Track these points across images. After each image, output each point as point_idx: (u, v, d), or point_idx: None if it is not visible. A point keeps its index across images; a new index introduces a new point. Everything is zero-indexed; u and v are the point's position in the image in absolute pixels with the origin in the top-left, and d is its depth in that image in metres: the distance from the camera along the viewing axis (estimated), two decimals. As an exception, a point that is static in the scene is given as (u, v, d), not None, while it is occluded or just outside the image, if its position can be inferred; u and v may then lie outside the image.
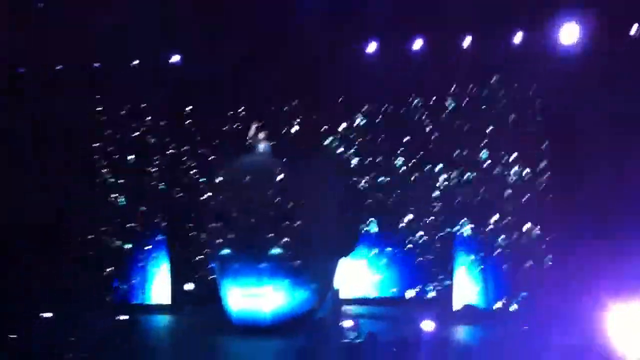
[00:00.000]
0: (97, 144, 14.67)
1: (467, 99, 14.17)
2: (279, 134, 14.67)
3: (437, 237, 14.45)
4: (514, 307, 13.49)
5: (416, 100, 14.60)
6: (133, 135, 14.80)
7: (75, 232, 14.26)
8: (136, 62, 14.26)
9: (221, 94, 14.51)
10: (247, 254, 12.01)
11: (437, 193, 14.49)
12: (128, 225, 14.67)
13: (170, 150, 14.94)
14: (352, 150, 14.96)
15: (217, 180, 12.84)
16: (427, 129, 14.61)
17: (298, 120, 14.95)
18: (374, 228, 14.83)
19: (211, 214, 12.74)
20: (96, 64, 14.23)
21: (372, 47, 14.01)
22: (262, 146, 13.17)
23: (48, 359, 9.61)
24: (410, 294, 14.64)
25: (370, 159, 14.91)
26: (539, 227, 13.48)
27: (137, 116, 14.80)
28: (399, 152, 14.79)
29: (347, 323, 11.23)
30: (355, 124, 14.97)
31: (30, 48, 13.47)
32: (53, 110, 13.92)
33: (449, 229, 14.23)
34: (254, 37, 13.48)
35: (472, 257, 13.82)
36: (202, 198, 13.60)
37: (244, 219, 12.18)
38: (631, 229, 11.77)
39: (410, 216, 14.70)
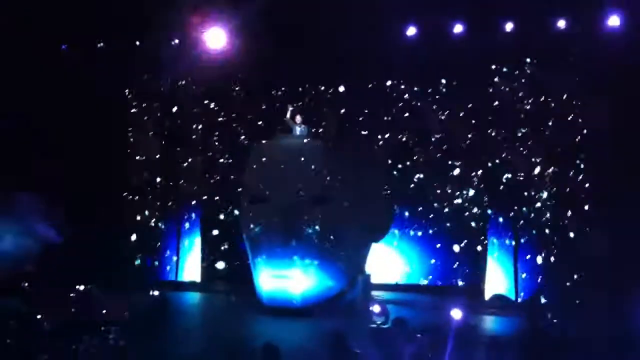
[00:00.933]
0: (135, 120, 14.80)
1: (504, 86, 13.92)
2: (317, 117, 14.65)
3: (471, 225, 14.31)
4: (544, 299, 13.34)
5: (453, 84, 14.42)
6: (170, 113, 14.89)
7: (111, 208, 14.42)
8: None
9: (260, 75, 14.51)
10: (280, 235, 12.06)
11: (472, 180, 14.33)
12: (162, 202, 14.81)
13: (207, 129, 15.03)
14: (388, 135, 14.86)
15: (253, 160, 12.90)
16: (463, 114, 14.42)
17: (336, 103, 14.92)
18: (407, 214, 14.80)
19: (246, 194, 12.81)
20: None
21: (411, 31, 13.86)
22: (299, 128, 13.19)
23: (83, 331, 9.77)
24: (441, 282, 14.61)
25: (406, 144, 14.81)
26: (577, 218, 13.27)
27: (175, 94, 14.87)
28: (435, 137, 14.67)
29: (376, 308, 11.22)
30: (392, 109, 14.87)
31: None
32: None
33: (482, 217, 14.10)
34: (295, 17, 13.43)
35: (506, 246, 13.69)
36: (237, 178, 13.63)
37: (278, 199, 12.23)
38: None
39: (444, 203, 14.60)
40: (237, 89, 15.06)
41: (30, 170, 13.30)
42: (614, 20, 12.68)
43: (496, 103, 13.98)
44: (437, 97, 14.69)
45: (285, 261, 12.16)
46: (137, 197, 14.75)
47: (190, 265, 15.04)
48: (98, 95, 13.78)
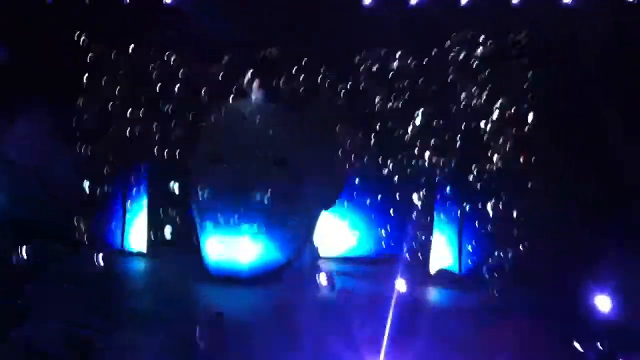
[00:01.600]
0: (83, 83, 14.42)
1: (462, 52, 13.93)
2: (274, 82, 14.43)
3: (418, 196, 14.39)
4: (490, 273, 13.58)
5: (409, 50, 14.36)
6: (119, 74, 14.54)
7: (57, 174, 14.09)
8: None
9: (219, 39, 14.24)
10: (229, 200, 11.98)
11: (422, 150, 14.38)
12: (109, 164, 14.51)
13: (156, 92, 14.70)
14: (342, 102, 14.78)
15: (208, 123, 12.75)
16: (419, 82, 14.39)
17: (293, 68, 14.73)
18: (354, 183, 14.80)
19: (198, 156, 12.67)
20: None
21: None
22: (256, 93, 13.08)
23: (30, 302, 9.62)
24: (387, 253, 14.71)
25: (360, 112, 14.75)
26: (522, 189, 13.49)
27: (128, 55, 14.53)
28: (387, 106, 14.63)
29: (323, 277, 11.31)
30: (346, 75, 14.76)
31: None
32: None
33: (429, 188, 14.20)
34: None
35: (452, 219, 13.86)
36: (187, 141, 13.41)
37: (231, 162, 12.13)
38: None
39: (392, 174, 14.64)
40: (195, 48, 14.65)
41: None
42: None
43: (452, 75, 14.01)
44: (394, 62, 14.57)
45: (234, 229, 12.11)
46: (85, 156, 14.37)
47: (136, 233, 14.81)
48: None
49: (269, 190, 12.09)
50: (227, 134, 12.39)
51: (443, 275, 13.68)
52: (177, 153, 14.20)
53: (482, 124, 13.60)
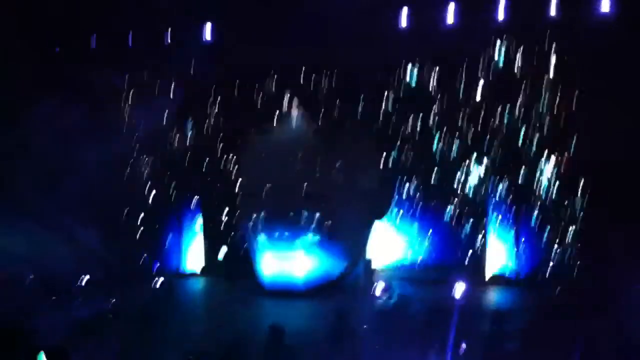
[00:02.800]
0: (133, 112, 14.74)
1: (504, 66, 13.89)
2: (314, 104, 14.55)
3: (471, 202, 14.31)
4: (545, 274, 13.42)
5: (451, 66, 14.35)
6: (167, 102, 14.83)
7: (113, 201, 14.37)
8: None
9: (257, 65, 14.42)
10: (280, 219, 12.10)
11: (471, 159, 14.32)
12: (163, 194, 14.79)
13: (205, 118, 14.96)
14: (386, 118, 14.81)
15: (253, 147, 12.93)
16: (461, 94, 14.34)
17: (331, 89, 14.84)
18: (405, 193, 14.78)
19: (246, 180, 12.83)
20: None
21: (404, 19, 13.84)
22: (296, 115, 13.25)
23: (93, 323, 9.81)
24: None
25: (404, 125, 14.77)
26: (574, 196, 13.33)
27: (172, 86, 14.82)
28: (432, 116, 14.62)
29: (380, 286, 11.31)
30: (388, 93, 14.82)
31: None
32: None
33: (482, 194, 14.11)
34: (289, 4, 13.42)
35: (506, 223, 13.75)
36: (236, 164, 13.60)
37: (278, 184, 12.26)
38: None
39: (443, 182, 14.59)
40: (232, 77, 14.87)
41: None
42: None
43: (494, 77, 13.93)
44: (436, 77, 14.56)
45: (287, 244, 12.22)
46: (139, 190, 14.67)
47: (193, 254, 15.04)
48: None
49: (315, 208, 12.15)
50: (276, 154, 12.53)
51: (500, 279, 13.56)
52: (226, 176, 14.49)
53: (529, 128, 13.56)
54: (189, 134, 14.79)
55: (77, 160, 13.76)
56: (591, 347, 7.37)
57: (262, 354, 8.19)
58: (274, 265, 12.39)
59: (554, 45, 13.16)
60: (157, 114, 14.54)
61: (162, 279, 12.59)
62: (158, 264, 14.62)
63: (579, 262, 12.97)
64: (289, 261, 12.27)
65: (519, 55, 13.63)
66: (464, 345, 7.48)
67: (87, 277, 11.89)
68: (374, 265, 13.68)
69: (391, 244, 14.74)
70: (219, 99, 14.77)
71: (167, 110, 14.56)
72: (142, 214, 14.54)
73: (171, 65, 14.34)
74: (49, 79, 13.89)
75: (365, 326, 8.23)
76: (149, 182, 14.64)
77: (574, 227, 13.36)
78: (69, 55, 14.52)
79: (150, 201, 14.67)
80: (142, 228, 14.55)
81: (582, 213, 13.29)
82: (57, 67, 14.20)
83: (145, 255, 14.42)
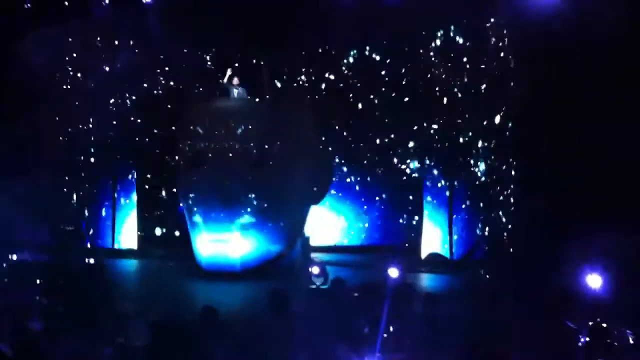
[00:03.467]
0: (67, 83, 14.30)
1: (448, 45, 13.95)
2: (255, 79, 14.42)
3: (406, 184, 14.47)
4: (479, 256, 13.71)
5: (392, 45, 14.37)
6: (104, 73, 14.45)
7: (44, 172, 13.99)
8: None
9: (200, 37, 14.18)
10: (217, 198, 11.99)
11: (408, 140, 14.43)
12: (96, 166, 14.47)
13: (143, 92, 14.64)
14: (326, 96, 14.79)
15: (189, 123, 12.73)
16: (404, 76, 14.39)
17: (273, 65, 14.73)
18: (343, 175, 14.86)
19: (182, 158, 12.66)
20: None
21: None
22: (237, 90, 13.10)
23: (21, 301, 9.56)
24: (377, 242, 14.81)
25: (345, 105, 14.79)
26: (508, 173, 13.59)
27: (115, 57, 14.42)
28: (372, 98, 14.66)
29: (315, 269, 11.32)
30: (330, 69, 14.78)
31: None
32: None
33: (417, 175, 14.27)
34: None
35: (441, 203, 13.95)
36: (174, 141, 13.39)
37: (215, 163, 12.13)
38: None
39: (380, 163, 14.70)
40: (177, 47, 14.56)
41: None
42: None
43: (436, 68, 14.02)
44: (377, 56, 14.57)
45: (223, 225, 12.13)
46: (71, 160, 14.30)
47: (126, 232, 14.80)
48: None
49: (253, 189, 12.07)
50: (210, 133, 12.38)
51: (434, 260, 13.78)
52: (163, 152, 14.27)
53: (466, 107, 13.72)
54: (130, 102, 14.51)
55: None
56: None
57: (195, 334, 8.11)
58: (211, 246, 12.29)
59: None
60: (100, 78, 14.22)
61: (92, 259, 12.31)
62: (90, 239, 14.41)
63: (510, 247, 13.32)
64: (226, 242, 12.18)
65: (465, 33, 13.78)
66: (391, 328, 7.56)
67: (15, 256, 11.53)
68: (310, 247, 13.72)
69: (328, 225, 14.85)
70: (163, 67, 14.55)
71: (108, 75, 14.24)
72: (77, 185, 14.29)
73: (116, 27, 13.98)
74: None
75: (297, 308, 8.25)
76: (86, 151, 14.34)
77: (507, 209, 13.67)
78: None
79: (84, 174, 14.41)
80: (76, 199, 14.30)
81: (513, 197, 13.63)
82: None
83: (78, 228, 14.17)
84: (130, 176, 14.68)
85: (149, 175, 14.83)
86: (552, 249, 11.74)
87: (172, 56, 14.49)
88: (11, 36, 13.34)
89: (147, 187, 14.76)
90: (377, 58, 14.51)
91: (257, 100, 13.65)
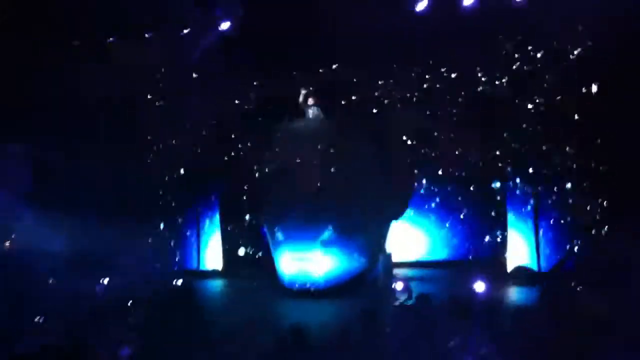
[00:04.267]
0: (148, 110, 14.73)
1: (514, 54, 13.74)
2: (331, 99, 14.49)
3: (491, 197, 14.22)
4: (568, 269, 13.32)
5: (462, 60, 14.22)
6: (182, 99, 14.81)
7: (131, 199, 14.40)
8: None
9: (274, 62, 14.36)
10: (299, 218, 12.10)
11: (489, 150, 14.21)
12: (180, 191, 14.83)
13: (222, 116, 14.93)
14: (404, 115, 14.74)
15: (272, 143, 12.93)
16: (479, 88, 14.21)
17: (350, 85, 14.77)
18: (424, 190, 14.73)
19: (264, 177, 12.84)
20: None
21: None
22: (312, 110, 13.22)
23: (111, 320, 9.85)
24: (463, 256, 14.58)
25: (421, 123, 14.70)
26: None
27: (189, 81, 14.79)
28: (448, 113, 14.54)
29: (399, 285, 11.26)
30: (405, 88, 14.75)
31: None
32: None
33: (500, 186, 14.01)
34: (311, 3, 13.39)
35: (526, 216, 13.66)
36: (255, 161, 13.58)
37: (297, 182, 12.26)
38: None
39: (462, 178, 14.51)
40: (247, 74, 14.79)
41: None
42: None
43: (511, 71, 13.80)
44: (448, 69, 14.46)
45: (306, 243, 12.22)
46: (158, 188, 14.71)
47: (211, 253, 15.09)
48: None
49: (336, 203, 12.12)
50: (290, 152, 12.55)
51: (521, 273, 13.47)
52: (245, 172, 14.47)
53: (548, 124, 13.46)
54: (214, 124, 14.83)
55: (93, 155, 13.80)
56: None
57: (284, 354, 8.18)
58: (293, 265, 12.40)
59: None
60: (176, 109, 14.58)
61: (181, 279, 12.60)
62: (177, 262, 14.75)
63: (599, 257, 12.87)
64: (308, 260, 12.27)
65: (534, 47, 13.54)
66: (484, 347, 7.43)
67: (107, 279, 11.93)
68: (393, 263, 13.63)
69: (410, 240, 14.73)
70: (238, 95, 14.79)
71: (186, 106, 14.60)
72: (162, 211, 14.66)
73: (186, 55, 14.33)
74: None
75: (386, 327, 8.21)
76: (169, 179, 14.72)
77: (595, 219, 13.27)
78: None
79: (169, 198, 14.78)
80: (162, 226, 14.68)
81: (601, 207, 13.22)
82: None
83: (165, 253, 14.52)
84: (213, 197, 14.96)
85: (231, 197, 15.03)
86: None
87: (253, 79, 14.69)
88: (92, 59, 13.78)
89: (229, 207, 14.95)
90: (454, 76, 14.35)
91: (333, 118, 13.67)
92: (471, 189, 14.50)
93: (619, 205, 12.78)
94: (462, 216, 14.61)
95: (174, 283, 12.75)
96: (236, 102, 14.92)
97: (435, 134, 14.63)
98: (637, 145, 12.50)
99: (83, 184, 13.48)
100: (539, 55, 13.54)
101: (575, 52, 13.27)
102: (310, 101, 13.33)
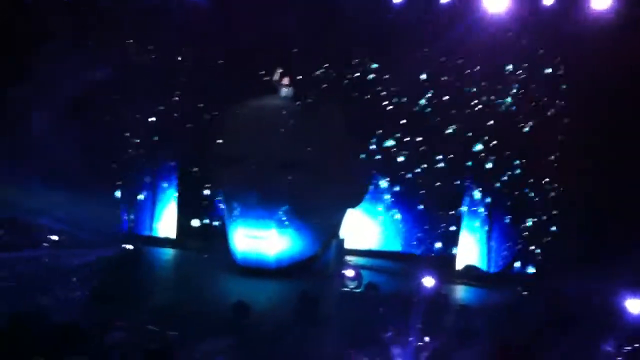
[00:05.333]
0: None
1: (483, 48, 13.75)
2: (302, 79, 14.36)
3: (445, 193, 14.30)
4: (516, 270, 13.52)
5: (428, 49, 14.18)
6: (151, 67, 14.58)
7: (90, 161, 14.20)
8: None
9: (246, 35, 14.19)
10: (255, 196, 12.03)
11: (447, 147, 14.26)
12: (139, 157, 14.65)
13: (187, 86, 14.75)
14: (367, 100, 14.68)
15: (229, 120, 12.81)
16: (442, 78, 14.19)
17: (319, 66, 14.66)
18: (382, 180, 14.75)
19: (222, 153, 12.73)
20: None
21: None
22: (285, 90, 13.12)
23: (57, 284, 9.75)
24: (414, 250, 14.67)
25: (384, 109, 14.66)
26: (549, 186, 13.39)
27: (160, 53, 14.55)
28: (410, 102, 14.50)
29: (349, 272, 11.30)
30: (370, 74, 14.66)
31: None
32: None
33: (457, 183, 14.11)
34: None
35: (479, 215, 13.80)
36: (214, 136, 13.46)
37: (251, 161, 12.18)
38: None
39: (419, 170, 14.56)
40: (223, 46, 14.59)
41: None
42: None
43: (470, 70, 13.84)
44: (415, 59, 14.40)
45: (260, 222, 12.18)
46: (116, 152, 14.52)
47: (165, 221, 14.96)
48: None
49: (292, 185, 12.08)
50: (248, 130, 12.42)
51: (470, 272, 13.63)
52: (205, 144, 14.31)
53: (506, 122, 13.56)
54: (179, 93, 14.63)
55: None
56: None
57: (225, 330, 8.16)
58: (246, 242, 12.35)
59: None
60: (142, 74, 14.36)
61: (130, 245, 12.46)
62: (129, 226, 14.61)
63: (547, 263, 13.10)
64: (262, 239, 12.23)
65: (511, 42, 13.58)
66: (426, 339, 7.50)
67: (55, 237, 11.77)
68: (345, 250, 13.67)
69: (364, 230, 14.77)
70: (204, 64, 14.60)
71: (151, 70, 14.38)
72: (119, 174, 14.49)
73: (159, 25, 14.09)
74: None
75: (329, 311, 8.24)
76: (129, 143, 14.53)
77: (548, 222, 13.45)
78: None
79: (127, 162, 14.61)
80: (116, 188, 14.51)
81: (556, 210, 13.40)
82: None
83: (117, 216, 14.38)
84: (172, 165, 14.82)
85: (191, 166, 14.87)
86: (594, 264, 11.51)
87: (225, 50, 14.50)
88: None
89: (188, 177, 14.81)
90: (417, 59, 14.27)
91: (301, 100, 13.58)
92: (429, 183, 14.50)
93: (574, 208, 12.97)
94: (417, 210, 14.65)
95: (123, 246, 12.62)
96: (207, 71, 14.71)
97: (396, 124, 14.58)
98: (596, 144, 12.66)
99: (44, 141, 13.33)
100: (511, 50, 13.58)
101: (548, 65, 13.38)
102: (285, 81, 13.20)
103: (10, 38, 13.44)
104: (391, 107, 14.48)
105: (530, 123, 13.48)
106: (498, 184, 13.71)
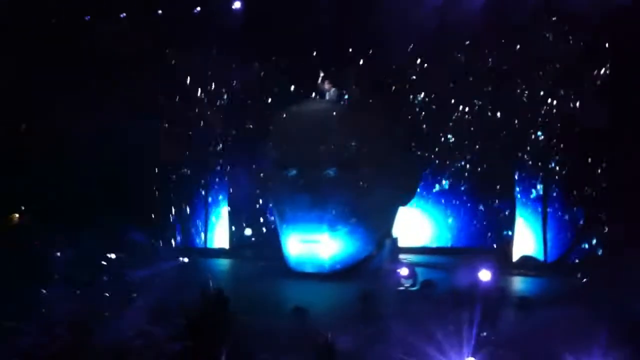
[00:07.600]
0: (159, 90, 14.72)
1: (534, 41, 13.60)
2: (346, 83, 14.39)
3: (497, 184, 14.15)
4: (574, 260, 13.28)
5: (478, 47, 14.10)
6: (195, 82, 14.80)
7: (139, 178, 14.48)
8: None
9: (290, 43, 14.28)
10: (308, 200, 12.09)
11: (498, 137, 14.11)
12: (189, 170, 14.85)
13: (235, 96, 14.90)
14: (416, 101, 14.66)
15: (278, 127, 12.89)
16: (491, 76, 14.10)
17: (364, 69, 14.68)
18: (432, 175, 14.69)
19: (273, 159, 12.83)
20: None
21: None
22: (328, 94, 13.18)
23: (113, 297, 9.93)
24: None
25: (433, 109, 14.61)
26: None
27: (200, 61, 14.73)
28: (461, 101, 14.43)
29: (404, 270, 11.26)
30: (416, 74, 14.63)
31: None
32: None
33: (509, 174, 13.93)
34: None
35: (534, 205, 13.61)
36: (264, 143, 13.59)
37: (304, 167, 12.24)
38: None
39: (467, 162, 14.45)
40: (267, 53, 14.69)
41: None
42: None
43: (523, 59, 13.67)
44: (459, 56, 14.33)
45: (313, 226, 12.22)
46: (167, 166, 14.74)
47: (218, 232, 15.15)
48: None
49: (344, 187, 12.10)
50: (299, 134, 12.47)
51: (527, 263, 13.44)
52: (254, 153, 14.47)
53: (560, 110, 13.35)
54: (226, 101, 14.78)
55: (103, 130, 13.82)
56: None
57: (285, 335, 8.22)
58: (300, 247, 12.41)
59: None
60: (186, 89, 14.57)
61: (186, 258, 12.65)
62: (182, 240, 14.82)
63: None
64: (315, 243, 12.28)
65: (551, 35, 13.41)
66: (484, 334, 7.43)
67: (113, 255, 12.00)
68: (399, 249, 13.61)
69: (416, 226, 14.71)
70: (250, 73, 14.75)
71: (197, 85, 14.57)
72: (171, 189, 14.72)
73: (204, 37, 14.25)
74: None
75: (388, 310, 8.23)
76: (179, 156, 14.74)
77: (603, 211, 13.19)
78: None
79: (179, 176, 14.83)
80: (169, 203, 14.74)
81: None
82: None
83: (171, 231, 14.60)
84: (222, 177, 15.00)
85: (241, 176, 15.03)
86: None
87: (269, 57, 14.61)
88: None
89: (238, 187, 14.96)
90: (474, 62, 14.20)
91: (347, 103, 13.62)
92: (480, 176, 14.38)
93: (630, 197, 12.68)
94: (469, 204, 14.54)
95: (179, 259, 12.82)
96: (253, 79, 14.84)
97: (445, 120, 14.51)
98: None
99: (94, 154, 13.63)
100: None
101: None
102: (328, 84, 13.26)
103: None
104: (438, 101, 14.43)
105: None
106: (551, 172, 13.49)
